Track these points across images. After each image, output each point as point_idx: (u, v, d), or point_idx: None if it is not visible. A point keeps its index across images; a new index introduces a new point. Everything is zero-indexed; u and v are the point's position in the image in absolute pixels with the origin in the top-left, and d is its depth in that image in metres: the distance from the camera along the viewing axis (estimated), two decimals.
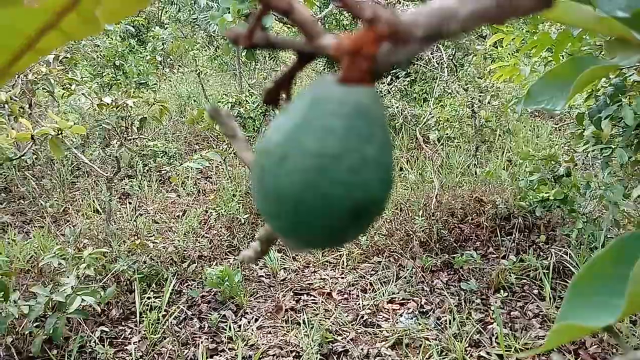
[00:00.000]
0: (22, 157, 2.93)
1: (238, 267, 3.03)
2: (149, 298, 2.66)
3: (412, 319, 2.62)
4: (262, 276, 3.05)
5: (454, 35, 0.20)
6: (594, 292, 0.35)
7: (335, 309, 2.69)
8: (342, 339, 2.48)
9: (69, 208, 3.75)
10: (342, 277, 3.02)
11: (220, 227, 3.41)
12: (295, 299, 2.83)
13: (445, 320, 2.58)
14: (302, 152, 0.22)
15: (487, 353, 2.36)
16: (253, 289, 2.91)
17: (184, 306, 2.71)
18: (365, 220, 0.23)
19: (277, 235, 0.25)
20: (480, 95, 3.96)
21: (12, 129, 2.50)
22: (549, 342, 0.33)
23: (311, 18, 0.22)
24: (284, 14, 0.22)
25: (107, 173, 3.36)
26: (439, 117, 4.31)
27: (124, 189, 4.04)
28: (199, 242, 3.21)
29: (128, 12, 0.26)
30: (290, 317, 2.64)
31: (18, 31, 0.20)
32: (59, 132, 2.34)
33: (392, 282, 2.91)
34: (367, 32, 0.21)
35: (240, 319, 2.65)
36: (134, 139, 3.44)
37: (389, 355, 2.37)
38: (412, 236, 3.25)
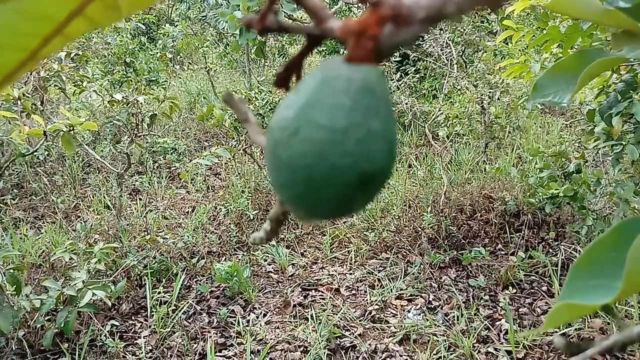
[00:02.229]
0: (35, 153, 2.97)
1: (247, 263, 3.05)
2: (158, 293, 2.69)
3: (420, 315, 2.63)
4: (271, 272, 3.07)
5: (452, 17, 0.22)
6: (593, 275, 0.36)
7: (343, 305, 2.70)
8: (349, 334, 2.50)
9: (80, 204, 3.80)
10: (350, 273, 3.03)
11: (229, 223, 3.43)
12: (303, 294, 2.85)
13: (453, 317, 2.58)
14: (312, 127, 0.24)
15: (495, 349, 2.36)
16: (261, 285, 2.94)
17: (193, 301, 2.74)
18: (371, 189, 0.25)
19: (288, 208, 0.26)
20: (489, 92, 3.94)
21: (25, 125, 2.54)
22: (548, 321, 0.35)
23: (320, 3, 0.24)
24: None
25: (117, 169, 3.40)
26: (448, 114, 4.30)
27: (134, 185, 4.08)
28: (208, 238, 3.24)
29: (149, 2, 0.27)
30: (299, 313, 2.66)
31: (50, 17, 0.22)
32: (71, 128, 2.38)
33: (400, 278, 2.91)
34: (371, 14, 0.23)
35: (249, 314, 2.67)
36: (144, 135, 3.47)
37: (397, 351, 2.38)
38: (420, 232, 3.26)
